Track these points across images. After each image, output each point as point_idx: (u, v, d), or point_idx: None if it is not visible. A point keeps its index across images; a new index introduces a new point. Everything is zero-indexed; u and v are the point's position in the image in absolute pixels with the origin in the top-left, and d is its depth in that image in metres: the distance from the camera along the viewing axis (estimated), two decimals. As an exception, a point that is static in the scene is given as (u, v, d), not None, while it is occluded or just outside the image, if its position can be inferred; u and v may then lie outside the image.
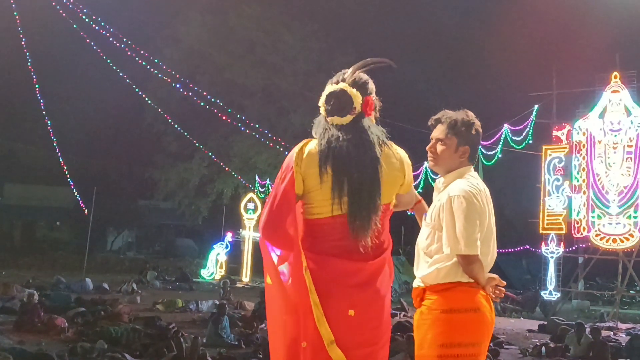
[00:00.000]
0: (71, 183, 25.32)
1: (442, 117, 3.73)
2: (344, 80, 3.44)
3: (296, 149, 3.39)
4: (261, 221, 3.38)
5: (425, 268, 3.62)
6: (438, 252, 3.57)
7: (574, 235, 19.59)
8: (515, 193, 28.67)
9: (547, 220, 19.85)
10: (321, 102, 3.43)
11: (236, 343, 11.66)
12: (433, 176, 17.54)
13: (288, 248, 3.28)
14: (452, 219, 3.50)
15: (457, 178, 3.65)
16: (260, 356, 10.10)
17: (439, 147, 3.72)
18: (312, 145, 3.39)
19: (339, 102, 3.38)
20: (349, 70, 3.47)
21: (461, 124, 3.69)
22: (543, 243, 20.12)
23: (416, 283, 3.71)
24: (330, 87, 3.44)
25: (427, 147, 3.77)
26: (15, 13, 21.12)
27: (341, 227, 3.30)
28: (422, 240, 3.68)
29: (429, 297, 3.59)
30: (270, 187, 28.18)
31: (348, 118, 3.37)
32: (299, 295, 3.20)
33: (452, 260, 3.51)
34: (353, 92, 3.39)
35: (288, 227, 3.27)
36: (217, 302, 15.63)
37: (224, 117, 27.42)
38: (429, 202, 3.80)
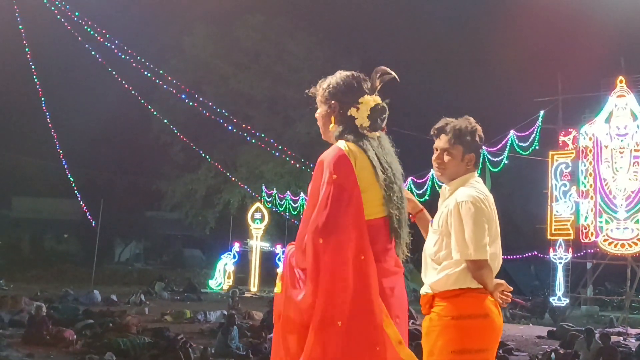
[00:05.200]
0: (78, 195, 25.38)
1: (446, 127, 3.70)
2: (373, 91, 3.39)
3: (344, 148, 3.24)
4: (323, 226, 3.09)
5: (434, 275, 3.61)
6: (447, 259, 3.56)
7: (582, 240, 19.51)
8: (522, 199, 28.62)
9: (555, 225, 19.78)
10: (363, 116, 3.31)
11: (244, 353, 11.64)
12: (439, 183, 17.48)
13: (356, 249, 3.12)
14: (461, 224, 3.50)
15: (462, 184, 3.65)
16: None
17: (446, 158, 3.70)
18: (353, 147, 3.27)
19: (383, 116, 3.37)
20: (368, 80, 3.40)
21: (465, 133, 3.67)
22: (551, 249, 20.04)
23: (424, 290, 3.70)
24: (370, 100, 3.33)
25: (433, 159, 3.74)
26: (20, 26, 21.24)
27: (379, 230, 3.27)
28: (429, 247, 3.68)
29: (438, 304, 3.58)
30: (276, 197, 28.24)
31: (383, 130, 3.42)
32: (377, 297, 3.13)
33: (461, 266, 3.50)
34: (385, 105, 3.39)
35: (360, 229, 3.15)
36: (225, 312, 15.62)
37: (230, 127, 27.49)
38: (435, 210, 3.78)
